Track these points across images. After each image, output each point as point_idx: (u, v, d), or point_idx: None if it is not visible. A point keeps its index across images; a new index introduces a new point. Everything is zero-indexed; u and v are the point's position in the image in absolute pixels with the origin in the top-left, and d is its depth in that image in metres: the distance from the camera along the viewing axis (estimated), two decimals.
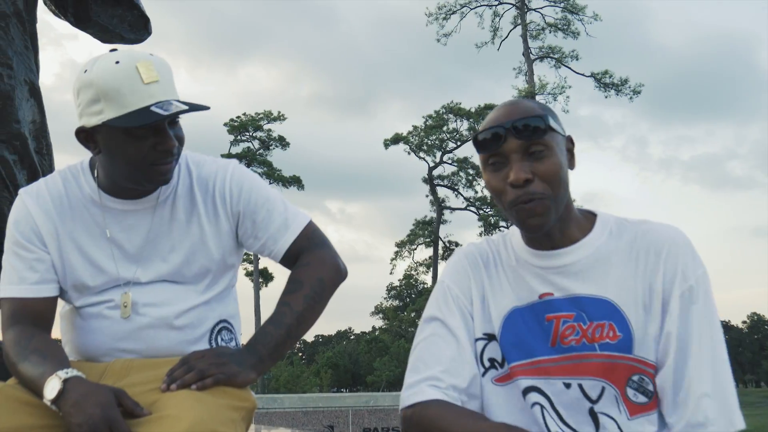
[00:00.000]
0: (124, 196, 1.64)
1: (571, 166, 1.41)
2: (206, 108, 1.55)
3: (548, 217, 1.34)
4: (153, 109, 1.47)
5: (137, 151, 1.52)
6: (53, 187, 1.66)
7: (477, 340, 1.45)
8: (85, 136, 1.57)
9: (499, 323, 1.42)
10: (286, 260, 1.71)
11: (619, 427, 1.33)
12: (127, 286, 1.62)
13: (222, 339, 1.68)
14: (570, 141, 1.42)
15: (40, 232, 1.61)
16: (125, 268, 1.62)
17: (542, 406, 1.36)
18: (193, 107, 1.51)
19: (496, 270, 1.48)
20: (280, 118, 37.67)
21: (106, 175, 1.62)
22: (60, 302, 1.68)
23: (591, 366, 1.34)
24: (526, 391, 1.37)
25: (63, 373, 1.38)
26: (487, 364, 1.43)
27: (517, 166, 1.33)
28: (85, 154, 1.71)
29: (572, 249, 1.40)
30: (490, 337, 1.44)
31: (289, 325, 1.60)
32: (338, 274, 1.71)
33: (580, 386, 1.35)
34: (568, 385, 1.35)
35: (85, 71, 1.52)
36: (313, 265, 1.67)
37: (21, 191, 1.67)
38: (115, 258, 1.62)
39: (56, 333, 1.68)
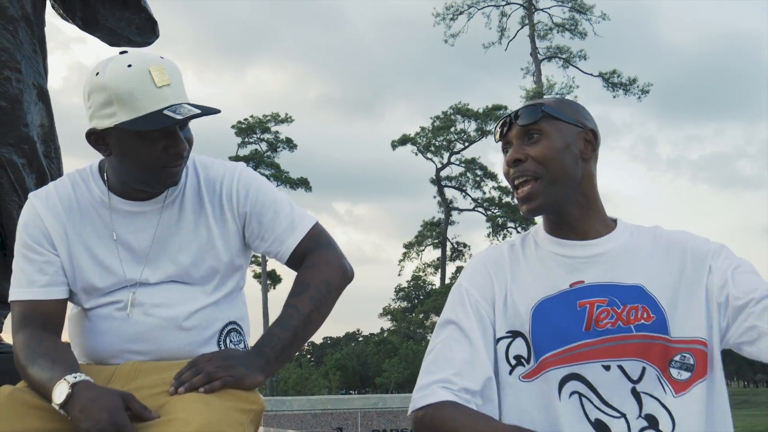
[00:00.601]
0: (133, 197, 1.65)
1: (585, 156, 1.48)
2: (217, 111, 1.57)
3: (539, 198, 1.44)
4: (166, 112, 1.49)
5: (149, 153, 1.54)
6: (62, 190, 1.67)
7: (501, 339, 1.45)
8: (95, 138, 1.58)
9: (529, 316, 1.43)
10: (292, 262, 1.71)
11: (663, 406, 1.35)
12: (135, 287, 1.62)
13: (231, 341, 1.68)
14: (588, 133, 1.50)
15: (50, 234, 1.62)
16: (134, 268, 1.63)
17: (580, 394, 1.37)
18: (205, 111, 1.53)
19: (519, 267, 1.51)
20: (287, 120, 37.73)
21: (117, 177, 1.63)
22: (68, 305, 1.68)
23: (629, 347, 1.38)
24: (563, 381, 1.38)
25: (71, 378, 1.38)
26: (513, 362, 1.44)
27: (513, 149, 1.48)
28: (94, 158, 1.71)
29: (600, 241, 1.47)
30: (515, 334, 1.44)
31: (295, 327, 1.60)
32: (344, 275, 1.71)
33: (620, 367, 1.37)
34: (607, 367, 1.38)
35: (97, 74, 1.53)
36: (319, 266, 1.67)
37: (30, 195, 1.68)
38: (124, 259, 1.63)
39: (65, 336, 1.69)
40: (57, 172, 2.59)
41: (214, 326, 1.65)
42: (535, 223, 1.60)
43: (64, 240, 1.63)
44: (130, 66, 1.51)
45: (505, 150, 1.52)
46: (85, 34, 2.80)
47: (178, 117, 1.49)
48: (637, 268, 1.44)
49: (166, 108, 1.50)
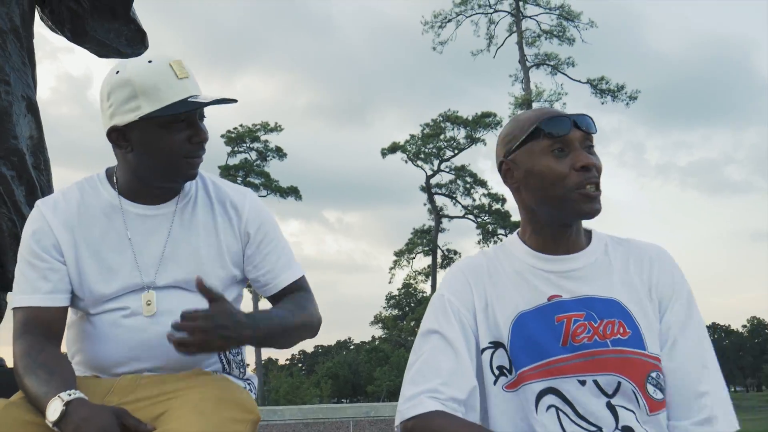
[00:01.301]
0: (144, 201, 1.67)
1: None
2: (235, 101, 1.64)
3: (600, 205, 1.43)
4: (190, 99, 1.56)
5: (173, 144, 1.59)
6: (71, 196, 1.68)
7: (484, 349, 1.46)
8: (117, 135, 1.61)
9: (508, 329, 1.44)
10: (276, 297, 1.75)
11: (637, 420, 1.35)
12: (143, 291, 1.62)
13: (230, 351, 1.69)
14: None
15: (59, 242, 1.62)
16: (142, 272, 1.63)
17: (557, 408, 1.37)
18: (226, 99, 1.61)
19: (498, 278, 1.51)
20: (277, 128, 37.65)
21: (133, 176, 1.66)
22: (69, 312, 1.67)
23: (605, 362, 1.38)
24: (540, 395, 1.39)
25: (66, 395, 1.38)
26: (496, 372, 1.44)
27: (583, 153, 1.43)
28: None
29: (578, 255, 1.48)
30: (496, 345, 1.45)
31: (288, 323, 1.63)
32: (319, 323, 1.76)
33: (596, 382, 1.37)
34: (582, 382, 1.38)
35: (117, 72, 1.59)
36: (311, 301, 1.74)
37: (38, 202, 1.69)
38: (132, 262, 1.63)
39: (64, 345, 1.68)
40: (46, 184, 2.58)
41: None
42: None
43: (72, 247, 1.63)
44: (150, 62, 1.58)
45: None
46: (73, 44, 2.79)
47: (205, 100, 1.56)
48: (612, 283, 1.46)
49: (189, 97, 1.56)
